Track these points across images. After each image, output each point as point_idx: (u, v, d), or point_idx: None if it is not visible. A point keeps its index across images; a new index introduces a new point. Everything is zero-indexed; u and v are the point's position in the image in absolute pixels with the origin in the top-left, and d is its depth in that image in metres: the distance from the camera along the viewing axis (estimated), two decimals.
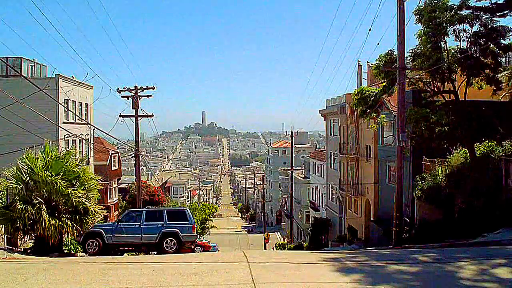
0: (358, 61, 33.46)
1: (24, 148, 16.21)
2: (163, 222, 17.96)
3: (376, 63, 17.82)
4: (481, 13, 15.40)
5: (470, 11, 15.44)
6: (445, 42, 16.19)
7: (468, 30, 15.74)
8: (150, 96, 27.79)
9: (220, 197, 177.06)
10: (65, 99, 31.07)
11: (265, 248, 45.49)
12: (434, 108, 16.47)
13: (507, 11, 15.23)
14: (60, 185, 15.07)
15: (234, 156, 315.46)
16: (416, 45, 16.53)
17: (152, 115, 28.36)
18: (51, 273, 8.06)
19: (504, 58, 16.83)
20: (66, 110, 30.86)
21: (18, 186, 14.90)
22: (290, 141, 52.84)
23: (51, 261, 11.15)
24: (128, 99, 27.44)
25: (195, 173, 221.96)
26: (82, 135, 34.09)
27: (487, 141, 16.35)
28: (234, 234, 69.19)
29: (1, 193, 15.31)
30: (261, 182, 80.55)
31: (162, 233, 17.74)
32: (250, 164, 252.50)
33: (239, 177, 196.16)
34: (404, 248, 14.10)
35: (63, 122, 30.01)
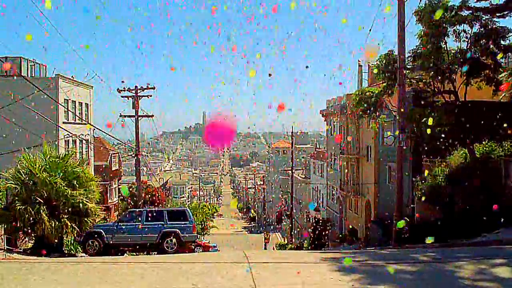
0: (358, 61, 33.41)
1: (24, 149, 16.21)
2: (163, 222, 17.97)
3: (377, 64, 17.82)
4: (481, 13, 15.41)
5: (470, 11, 15.45)
6: (445, 43, 16.20)
7: (468, 30, 15.76)
8: (150, 96, 27.83)
9: (220, 197, 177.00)
10: (65, 99, 31.10)
11: (265, 248, 45.52)
12: (434, 108, 16.48)
13: (506, 12, 15.25)
14: (59, 186, 15.08)
15: (235, 157, 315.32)
16: (416, 45, 16.54)
17: (152, 116, 28.39)
18: (52, 273, 8.06)
19: (503, 59, 16.82)
20: (66, 110, 30.88)
21: (18, 186, 14.92)
22: (290, 141, 52.85)
23: (51, 261, 11.14)
24: (128, 99, 27.46)
25: (195, 173, 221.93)
26: (82, 135, 34.11)
27: (487, 141, 16.35)
28: (234, 234, 69.17)
29: (1, 193, 15.34)
30: (262, 183, 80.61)
31: (163, 233, 17.75)
32: (250, 165, 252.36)
33: (239, 178, 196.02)
34: (404, 248, 14.11)
35: (63, 122, 30.03)
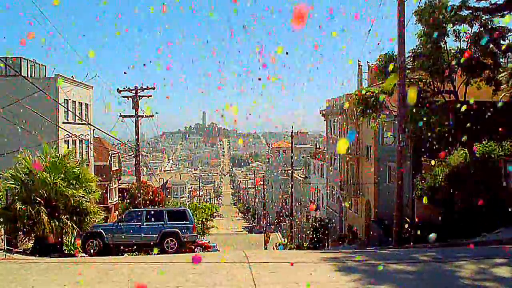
0: (358, 61, 33.41)
1: (24, 149, 16.21)
2: (163, 222, 17.96)
3: (376, 64, 17.82)
4: (481, 13, 15.41)
5: (470, 11, 15.45)
6: (445, 43, 16.20)
7: (468, 30, 15.76)
8: (150, 96, 27.81)
9: (220, 197, 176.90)
10: (65, 99, 31.08)
11: (265, 248, 45.52)
12: (435, 109, 16.47)
13: (506, 12, 15.24)
14: (59, 186, 15.08)
15: (235, 157, 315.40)
16: (416, 45, 16.53)
17: (152, 116, 28.39)
18: (52, 273, 8.06)
19: (503, 59, 16.82)
20: (66, 110, 30.87)
21: (17, 186, 14.92)
22: (290, 141, 52.80)
23: (51, 261, 11.14)
24: (128, 99, 27.45)
25: (195, 173, 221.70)
26: (82, 135, 34.10)
27: (486, 141, 16.35)
28: (234, 234, 69.16)
29: (1, 193, 15.34)
30: (262, 182, 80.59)
31: (163, 233, 17.75)
32: (250, 164, 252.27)
33: (239, 178, 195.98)
34: (404, 248, 14.11)
35: (63, 122, 30.02)
